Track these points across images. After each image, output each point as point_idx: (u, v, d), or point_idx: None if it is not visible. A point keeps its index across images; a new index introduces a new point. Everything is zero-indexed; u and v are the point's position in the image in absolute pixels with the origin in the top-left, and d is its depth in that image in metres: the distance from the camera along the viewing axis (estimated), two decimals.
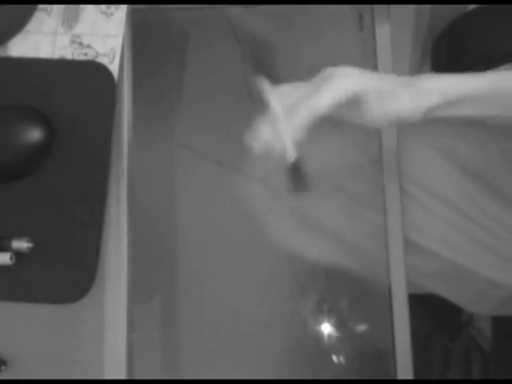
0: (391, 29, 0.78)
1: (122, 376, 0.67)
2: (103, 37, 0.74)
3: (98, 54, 0.73)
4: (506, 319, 0.91)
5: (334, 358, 0.80)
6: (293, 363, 0.82)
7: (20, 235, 0.67)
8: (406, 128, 0.76)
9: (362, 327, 0.80)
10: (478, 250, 0.82)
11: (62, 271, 0.68)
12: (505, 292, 0.84)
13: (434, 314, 0.96)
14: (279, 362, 0.81)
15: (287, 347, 0.82)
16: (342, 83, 0.58)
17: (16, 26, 0.74)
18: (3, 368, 0.66)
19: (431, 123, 0.60)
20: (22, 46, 0.74)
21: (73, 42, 0.74)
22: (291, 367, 0.82)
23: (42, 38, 0.74)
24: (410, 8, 1.09)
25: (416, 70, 1.22)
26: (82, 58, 0.73)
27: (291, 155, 0.59)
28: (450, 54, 0.95)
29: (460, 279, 0.85)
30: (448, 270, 0.84)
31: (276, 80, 0.64)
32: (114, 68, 0.72)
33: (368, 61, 0.79)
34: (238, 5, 0.85)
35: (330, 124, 0.84)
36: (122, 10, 0.74)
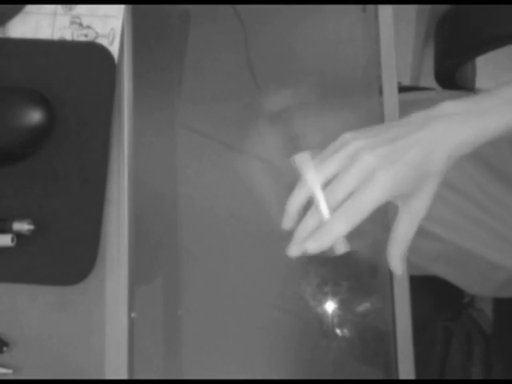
0: (394, 9, 0.77)
1: (124, 357, 0.67)
2: (103, 17, 0.73)
3: (97, 35, 0.73)
4: (507, 301, 0.91)
5: (336, 338, 0.80)
6: (293, 345, 0.82)
7: (21, 217, 0.67)
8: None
9: (363, 308, 0.80)
10: (480, 232, 0.82)
11: (64, 252, 0.68)
12: (506, 274, 0.84)
13: (435, 295, 0.96)
14: (280, 342, 0.82)
15: (288, 329, 0.82)
16: (383, 183, 0.52)
17: (15, 7, 0.74)
18: (5, 349, 0.67)
19: None
20: (22, 27, 0.74)
21: (72, 22, 0.73)
22: (291, 349, 0.82)
23: (42, 19, 0.74)
24: None
25: (419, 51, 1.22)
26: (82, 38, 0.73)
27: (342, 248, 0.56)
28: (452, 35, 0.94)
29: (462, 261, 0.86)
30: (450, 251, 0.84)
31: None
32: (114, 49, 0.72)
33: (370, 42, 0.78)
34: (240, 4, 0.85)
35: (330, 107, 0.83)
36: None
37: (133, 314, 0.69)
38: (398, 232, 0.55)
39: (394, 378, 0.69)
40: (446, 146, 0.53)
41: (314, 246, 0.54)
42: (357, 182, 0.52)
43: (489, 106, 0.54)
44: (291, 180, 0.81)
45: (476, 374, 0.90)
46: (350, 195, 0.52)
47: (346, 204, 0.52)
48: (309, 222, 0.55)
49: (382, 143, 0.53)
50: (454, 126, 0.53)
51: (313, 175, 0.55)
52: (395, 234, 0.55)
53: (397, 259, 0.56)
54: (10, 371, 0.67)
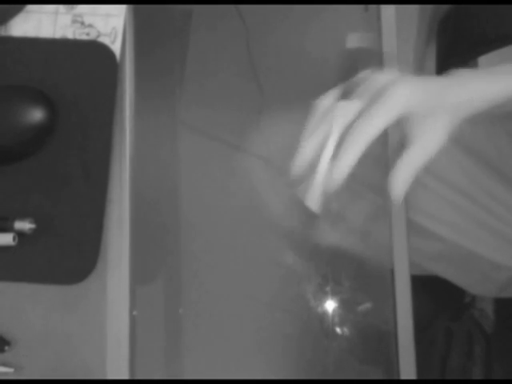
0: (396, 9, 0.77)
1: (125, 355, 0.67)
2: (105, 16, 0.73)
3: (99, 34, 0.73)
4: (508, 301, 0.91)
5: (336, 338, 0.80)
6: (294, 344, 0.82)
7: (22, 216, 0.67)
8: None
9: (364, 308, 0.80)
10: (481, 232, 0.82)
11: (65, 251, 0.68)
12: (508, 274, 0.84)
13: (436, 295, 0.96)
14: (281, 342, 0.82)
15: (289, 329, 0.82)
16: (396, 101, 0.52)
17: (17, 5, 0.74)
18: (7, 348, 0.66)
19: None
20: (24, 26, 0.74)
21: (74, 21, 0.73)
22: (293, 349, 0.82)
23: (44, 18, 0.74)
24: None
25: (421, 51, 1.21)
26: (84, 37, 0.73)
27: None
28: (454, 34, 0.94)
29: (463, 261, 0.86)
30: (451, 251, 0.84)
31: None
32: (115, 48, 0.72)
33: (372, 42, 0.78)
34: (243, 4, 0.85)
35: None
36: None
37: (134, 312, 0.69)
38: (406, 159, 0.54)
39: (395, 377, 0.69)
40: (459, 94, 0.54)
41: (332, 182, 0.54)
42: (373, 93, 0.52)
43: (500, 71, 0.55)
44: (293, 179, 0.81)
45: (477, 373, 0.90)
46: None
47: (357, 122, 0.52)
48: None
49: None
50: (465, 81, 0.54)
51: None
52: (402, 161, 0.55)
53: (399, 185, 0.55)
54: (11, 370, 0.67)
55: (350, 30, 0.85)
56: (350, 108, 0.54)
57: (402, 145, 0.55)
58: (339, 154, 0.53)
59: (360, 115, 0.53)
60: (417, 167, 0.54)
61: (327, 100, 0.56)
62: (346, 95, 0.56)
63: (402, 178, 0.54)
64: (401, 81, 0.53)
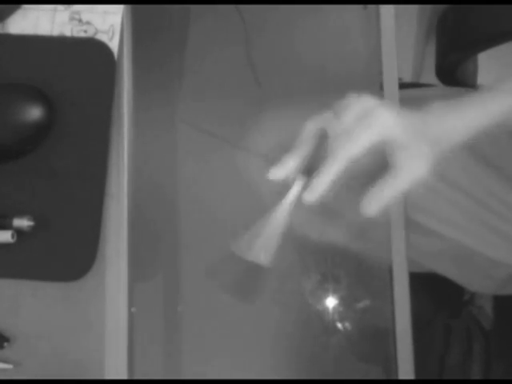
0: (396, 7, 0.77)
1: (123, 352, 0.67)
2: (103, 13, 0.73)
3: (97, 31, 0.73)
4: (507, 298, 0.91)
5: (335, 335, 0.80)
6: (294, 342, 0.82)
7: (21, 213, 0.67)
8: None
9: (363, 306, 0.80)
10: (480, 230, 0.81)
11: (64, 248, 0.68)
12: (507, 271, 0.84)
13: (435, 292, 0.96)
14: (280, 339, 0.82)
15: (288, 326, 0.82)
16: (377, 128, 0.52)
17: (15, 3, 0.74)
18: (6, 344, 0.67)
19: None
20: (21, 23, 0.74)
21: (72, 18, 0.73)
22: (292, 346, 0.82)
23: (42, 15, 0.74)
24: None
25: (420, 48, 1.21)
26: (82, 34, 0.73)
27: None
28: (454, 31, 0.93)
29: (462, 259, 0.85)
30: (450, 249, 0.84)
31: None
32: (113, 45, 0.72)
33: (371, 38, 0.78)
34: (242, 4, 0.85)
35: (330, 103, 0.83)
36: None
37: (133, 309, 0.69)
38: (387, 183, 0.55)
39: (394, 374, 0.69)
40: (438, 131, 0.55)
41: (310, 197, 0.54)
42: (358, 117, 0.53)
43: (475, 102, 0.56)
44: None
45: (475, 371, 0.90)
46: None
47: (340, 142, 0.52)
48: None
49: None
50: (442, 116, 0.55)
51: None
52: (383, 184, 0.55)
53: (373, 206, 0.55)
54: (10, 366, 0.67)
55: (348, 28, 0.85)
56: (335, 128, 0.54)
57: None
58: (319, 172, 0.53)
59: (343, 136, 0.53)
60: (395, 194, 0.54)
61: (317, 121, 0.56)
62: (335, 117, 0.56)
63: (378, 199, 0.54)
64: (385, 108, 0.53)
